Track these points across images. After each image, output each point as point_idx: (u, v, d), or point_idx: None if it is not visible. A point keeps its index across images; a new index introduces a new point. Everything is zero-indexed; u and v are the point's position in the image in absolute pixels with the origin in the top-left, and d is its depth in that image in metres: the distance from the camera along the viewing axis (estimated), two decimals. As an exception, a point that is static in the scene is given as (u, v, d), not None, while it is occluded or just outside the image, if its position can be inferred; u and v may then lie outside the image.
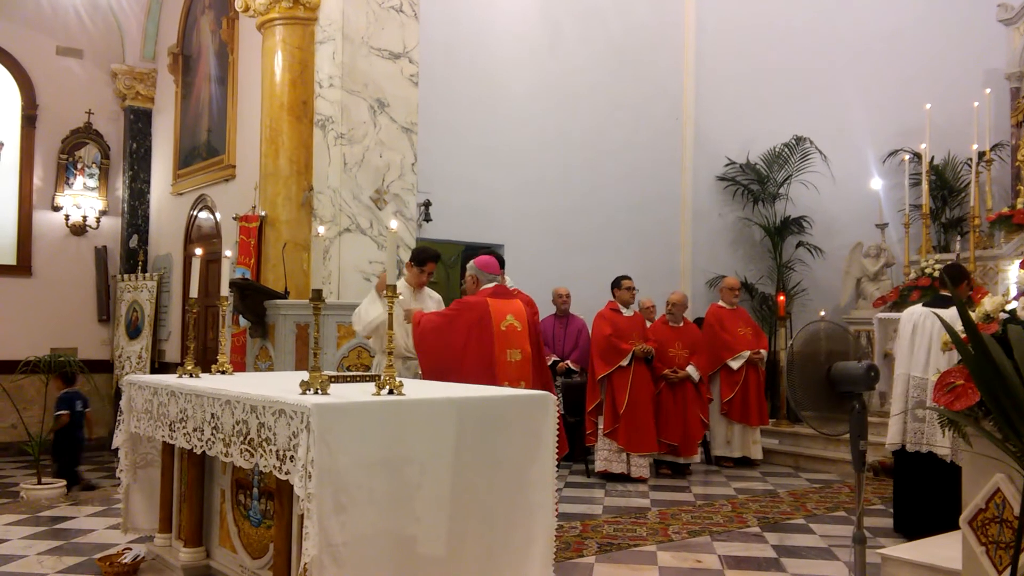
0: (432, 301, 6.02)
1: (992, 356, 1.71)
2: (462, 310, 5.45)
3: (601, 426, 8.16)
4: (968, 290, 5.97)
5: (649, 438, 8.17)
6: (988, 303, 2.74)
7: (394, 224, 3.72)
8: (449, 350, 5.36)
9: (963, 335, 2.58)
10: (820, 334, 3.24)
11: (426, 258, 5.79)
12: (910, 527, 5.74)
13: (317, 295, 3.67)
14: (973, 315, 2.81)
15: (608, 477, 8.07)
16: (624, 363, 8.10)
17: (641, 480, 8.04)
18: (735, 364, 8.95)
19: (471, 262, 5.73)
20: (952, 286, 5.86)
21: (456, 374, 5.21)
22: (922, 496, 5.67)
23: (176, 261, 10.62)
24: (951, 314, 5.30)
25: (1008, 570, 2.77)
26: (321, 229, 4.04)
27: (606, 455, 8.11)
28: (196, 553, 4.62)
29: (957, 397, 2.49)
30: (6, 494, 7.83)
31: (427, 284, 6.06)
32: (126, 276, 11.06)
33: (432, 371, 5.35)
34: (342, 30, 7.65)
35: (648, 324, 8.68)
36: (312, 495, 3.18)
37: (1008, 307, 2.66)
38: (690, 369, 8.47)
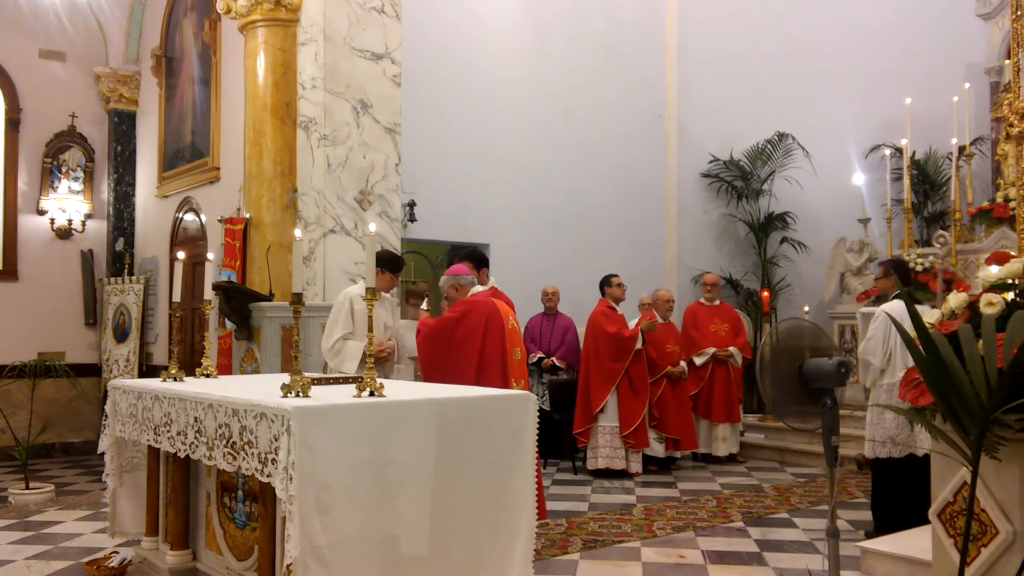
0: (389, 304, 6.06)
1: (941, 354, 1.76)
2: (470, 309, 5.38)
3: (614, 424, 8.17)
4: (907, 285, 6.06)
5: (644, 433, 8.29)
6: (953, 300, 2.80)
7: (373, 227, 3.75)
8: (459, 350, 5.29)
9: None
10: (791, 332, 3.30)
11: (400, 265, 5.85)
12: (890, 522, 5.79)
13: (297, 298, 3.69)
14: (940, 312, 2.87)
15: (607, 474, 8.13)
16: (639, 346, 8.20)
17: (635, 475, 8.16)
18: (699, 360, 9.06)
19: (441, 279, 5.70)
20: (905, 282, 5.97)
21: (466, 374, 5.12)
22: (900, 491, 5.73)
23: (162, 264, 10.60)
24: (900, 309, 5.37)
25: (976, 560, 2.84)
26: (298, 232, 4.05)
27: (608, 452, 8.17)
28: (183, 556, 4.65)
29: (921, 393, 2.54)
30: (-6, 499, 7.84)
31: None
32: (112, 279, 11.04)
33: (438, 373, 5.23)
34: (324, 31, 7.67)
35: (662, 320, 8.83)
36: (294, 497, 3.21)
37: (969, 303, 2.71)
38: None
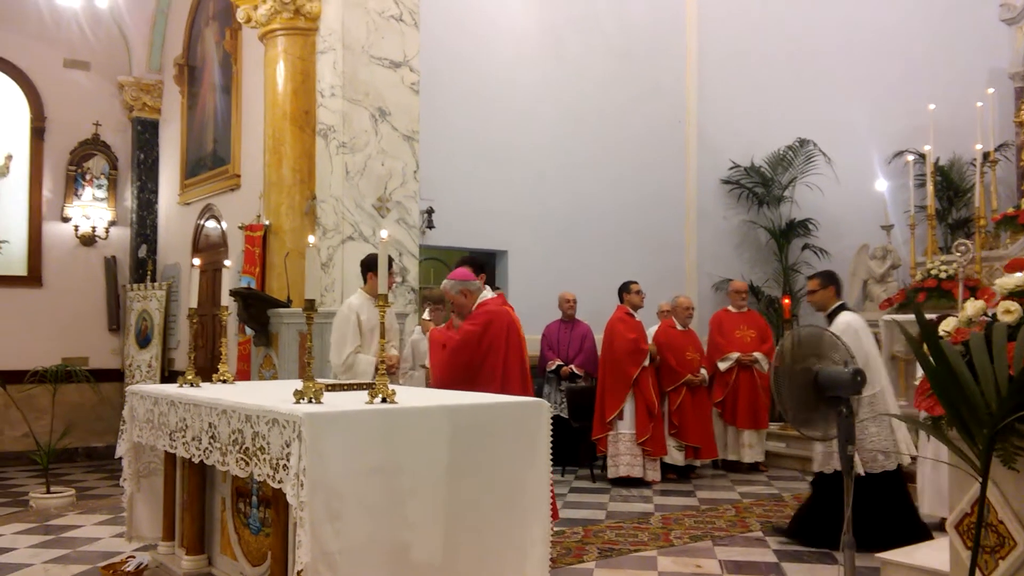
0: (391, 312, 6.03)
1: (950, 363, 1.72)
2: (492, 320, 5.33)
3: (632, 431, 8.14)
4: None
5: (662, 441, 8.25)
6: (970, 308, 2.74)
7: (385, 233, 3.75)
8: (482, 362, 5.24)
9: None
10: (805, 340, 3.26)
11: (390, 264, 5.85)
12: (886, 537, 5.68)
13: (310, 305, 3.71)
14: (956, 320, 2.82)
15: (626, 482, 8.08)
16: (647, 363, 8.19)
17: (654, 483, 8.11)
18: (723, 366, 8.99)
19: (446, 283, 5.55)
20: (839, 293, 5.97)
21: (492, 386, 5.06)
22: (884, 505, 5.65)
23: (184, 270, 10.70)
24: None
25: (994, 573, 2.78)
26: (312, 238, 4.08)
27: (628, 460, 8.13)
28: (198, 561, 4.66)
29: (937, 403, 2.49)
30: (16, 503, 7.92)
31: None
32: (135, 285, 11.15)
33: (464, 387, 5.06)
34: (342, 40, 7.71)
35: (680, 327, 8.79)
36: (304, 503, 3.21)
37: (989, 311, 2.66)
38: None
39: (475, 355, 5.24)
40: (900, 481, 5.63)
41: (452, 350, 5.28)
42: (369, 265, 5.85)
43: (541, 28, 10.37)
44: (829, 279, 6.02)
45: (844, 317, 5.79)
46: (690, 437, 8.49)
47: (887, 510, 5.47)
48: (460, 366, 5.24)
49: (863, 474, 5.52)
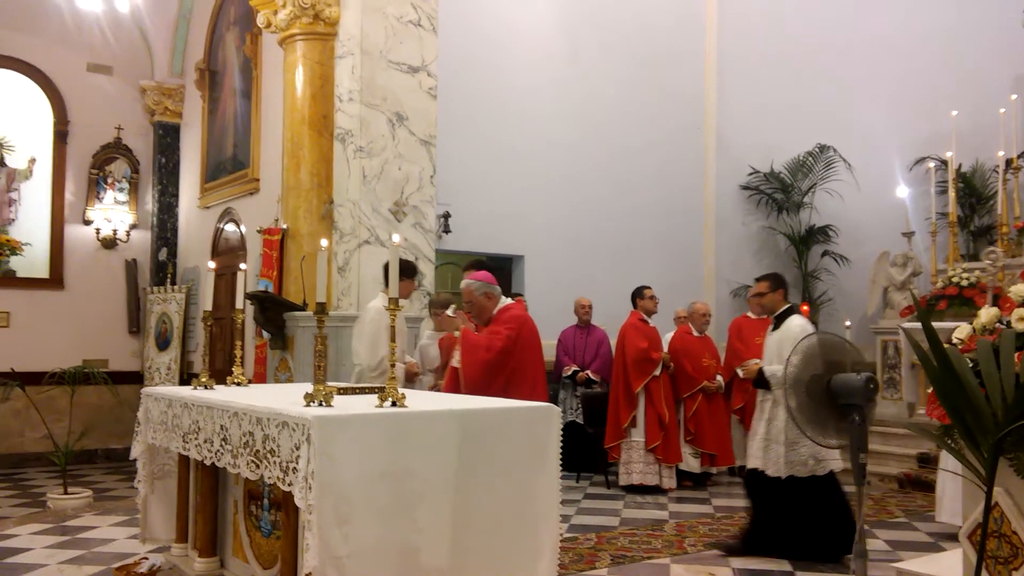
0: (400, 316, 6.07)
1: (955, 370, 1.69)
2: (522, 324, 5.40)
3: (641, 439, 8.11)
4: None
5: (677, 448, 8.21)
6: (984, 315, 2.71)
7: (396, 238, 3.76)
8: (516, 366, 5.31)
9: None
10: (817, 347, 3.23)
11: (414, 270, 5.90)
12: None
13: (321, 308, 3.73)
14: (971, 327, 2.79)
15: (641, 489, 8.04)
16: (657, 373, 8.13)
17: (670, 491, 8.06)
18: (741, 372, 8.89)
19: (471, 283, 5.56)
20: (786, 296, 5.92)
21: (522, 390, 5.10)
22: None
23: (204, 273, 10.77)
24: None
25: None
26: (324, 242, 4.11)
27: (642, 467, 8.09)
28: (210, 563, 4.67)
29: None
30: (35, 503, 7.99)
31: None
32: (156, 288, 11.24)
33: (495, 391, 5.09)
34: (361, 45, 7.74)
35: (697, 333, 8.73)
36: (313, 506, 3.21)
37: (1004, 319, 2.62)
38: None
39: (510, 358, 5.30)
40: (833, 486, 5.57)
41: (496, 352, 5.32)
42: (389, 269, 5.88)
43: (559, 33, 10.37)
44: (779, 282, 5.95)
45: (797, 320, 5.72)
46: (706, 444, 8.44)
47: (818, 516, 5.46)
48: (497, 368, 5.29)
49: (783, 477, 5.49)
